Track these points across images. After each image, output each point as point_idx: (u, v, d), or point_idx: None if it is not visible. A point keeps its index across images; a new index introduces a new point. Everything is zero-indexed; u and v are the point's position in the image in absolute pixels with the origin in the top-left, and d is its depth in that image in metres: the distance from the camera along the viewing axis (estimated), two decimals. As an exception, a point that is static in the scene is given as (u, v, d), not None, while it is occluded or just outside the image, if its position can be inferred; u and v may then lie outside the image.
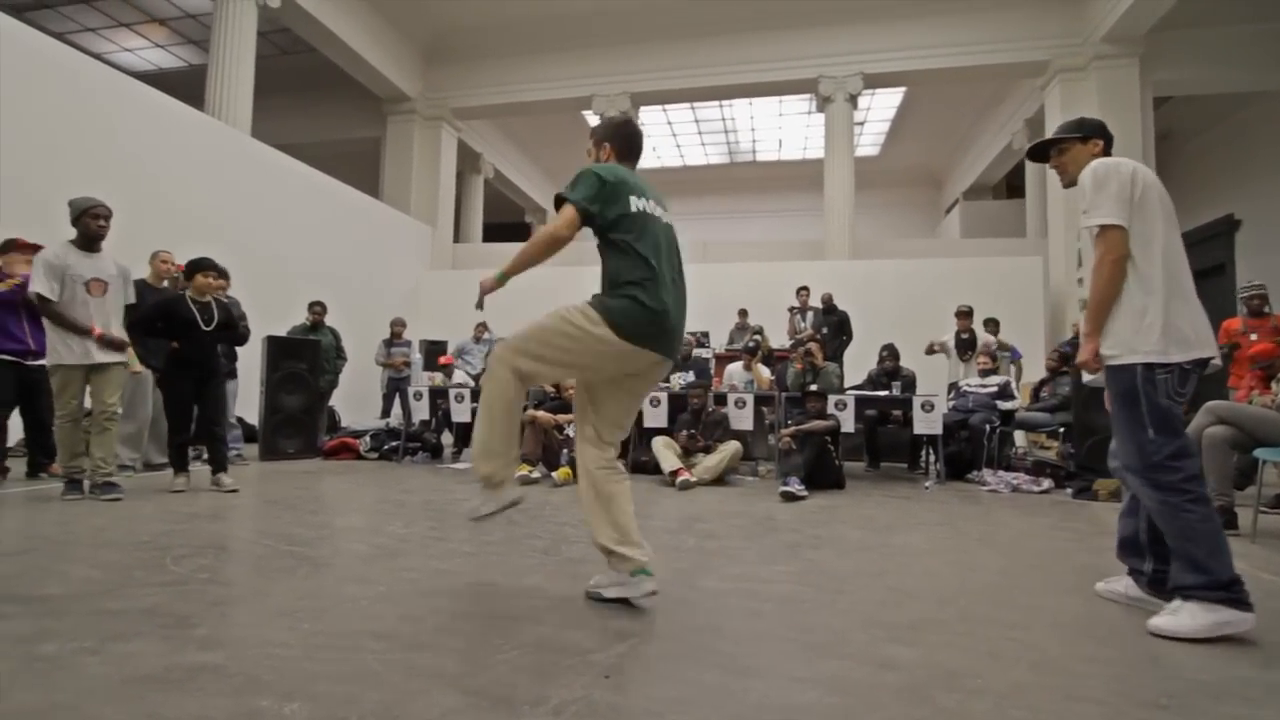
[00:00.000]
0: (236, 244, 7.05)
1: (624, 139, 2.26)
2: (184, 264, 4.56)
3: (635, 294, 1.97)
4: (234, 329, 4.51)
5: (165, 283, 5.13)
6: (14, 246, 4.34)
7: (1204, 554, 1.82)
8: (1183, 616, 1.81)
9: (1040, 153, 2.29)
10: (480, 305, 2.20)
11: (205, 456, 4.97)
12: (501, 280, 2.08)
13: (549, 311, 2.04)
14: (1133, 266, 1.97)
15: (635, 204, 2.05)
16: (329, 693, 1.35)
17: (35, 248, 4.35)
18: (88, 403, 3.88)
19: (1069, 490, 4.94)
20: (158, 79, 11.89)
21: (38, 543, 2.70)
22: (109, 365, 3.82)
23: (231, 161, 8.30)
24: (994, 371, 6.27)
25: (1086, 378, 2.21)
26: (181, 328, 4.18)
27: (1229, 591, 1.80)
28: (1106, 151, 2.18)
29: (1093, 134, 2.19)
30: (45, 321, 3.75)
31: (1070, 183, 2.20)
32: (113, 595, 1.98)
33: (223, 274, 4.90)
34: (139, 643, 1.59)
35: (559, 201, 2.03)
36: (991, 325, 7.32)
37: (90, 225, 3.78)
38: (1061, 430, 5.62)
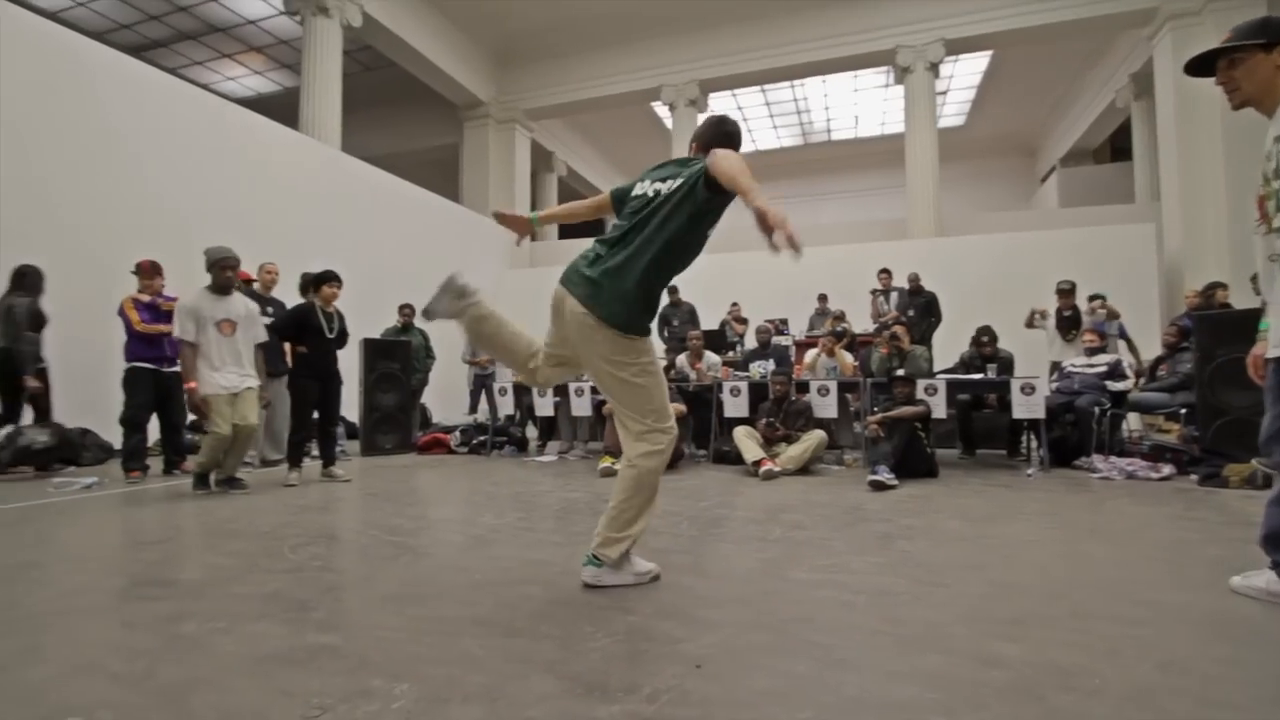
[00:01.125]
0: (331, 253, 7.50)
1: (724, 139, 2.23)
2: (306, 275, 5.03)
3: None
4: (347, 336, 4.92)
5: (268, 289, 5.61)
6: (146, 269, 4.82)
7: None
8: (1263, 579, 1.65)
9: (1205, 66, 1.93)
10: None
11: (315, 452, 5.35)
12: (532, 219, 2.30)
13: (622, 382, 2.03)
14: None
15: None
16: (433, 675, 1.42)
17: (159, 268, 4.84)
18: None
19: (1194, 476, 4.52)
20: (257, 104, 12.83)
21: (174, 533, 2.99)
22: (245, 391, 4.24)
23: (325, 175, 8.84)
24: (1102, 350, 5.81)
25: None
26: (311, 335, 4.68)
27: None
28: None
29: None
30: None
31: (1242, 103, 1.88)
32: (240, 580, 2.16)
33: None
34: (264, 624, 1.74)
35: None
36: (1099, 301, 6.69)
37: (219, 276, 4.21)
38: (1183, 411, 5.15)
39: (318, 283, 4.84)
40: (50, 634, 1.70)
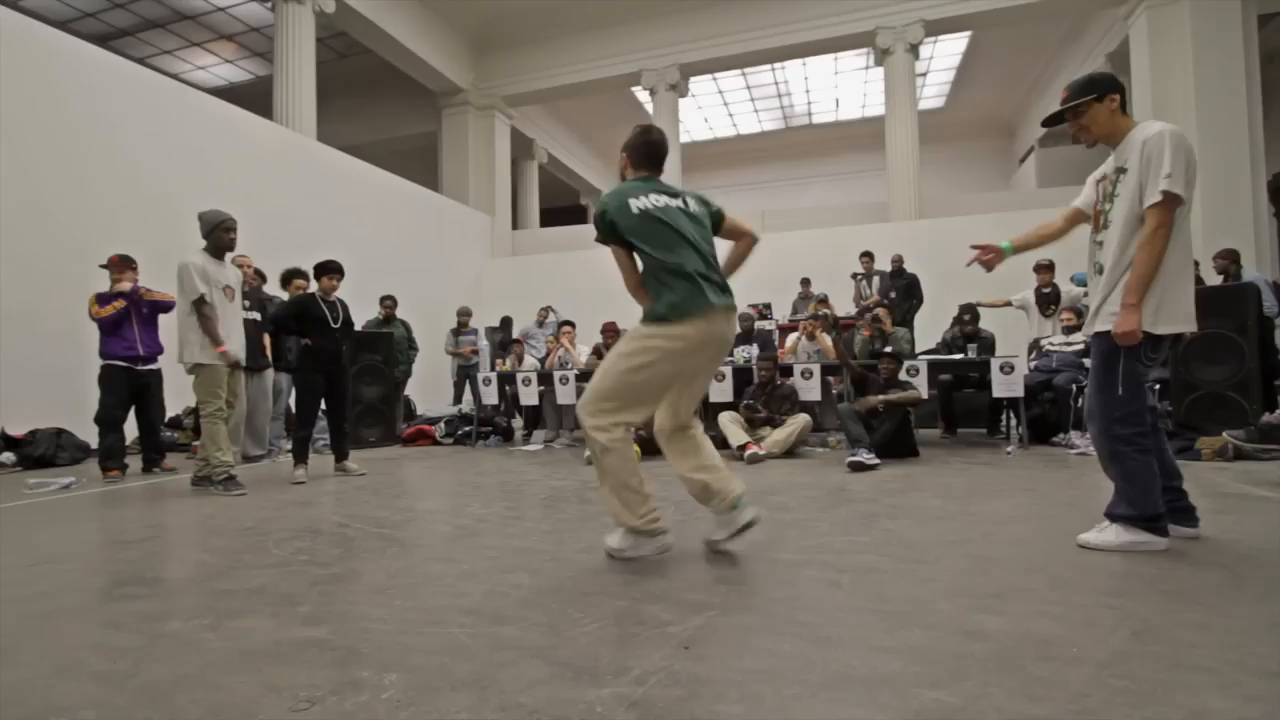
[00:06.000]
0: (309, 245, 7.40)
1: (641, 149, 2.37)
2: (288, 270, 4.95)
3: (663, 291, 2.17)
4: (352, 325, 4.81)
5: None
6: (115, 263, 4.71)
7: (1138, 493, 2.17)
8: (1108, 534, 2.20)
9: (1057, 120, 2.32)
10: None
11: (318, 445, 5.29)
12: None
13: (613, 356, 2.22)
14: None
15: (635, 205, 2.20)
16: (423, 665, 1.42)
17: (130, 261, 4.73)
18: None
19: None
20: (229, 93, 12.55)
21: (156, 531, 2.95)
22: (235, 373, 4.19)
23: (300, 165, 8.69)
24: (1078, 328, 5.90)
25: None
26: (314, 325, 4.52)
27: (1152, 523, 2.17)
28: (1123, 101, 2.23)
29: (1108, 90, 2.21)
30: (191, 320, 3.93)
31: (1094, 141, 2.25)
32: (225, 577, 2.14)
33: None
34: (251, 619, 1.73)
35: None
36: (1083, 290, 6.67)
37: (223, 238, 4.08)
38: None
39: (317, 274, 4.70)
40: (30, 636, 1.67)
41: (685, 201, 2.30)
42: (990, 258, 2.58)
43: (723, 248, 2.43)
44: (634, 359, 2.14)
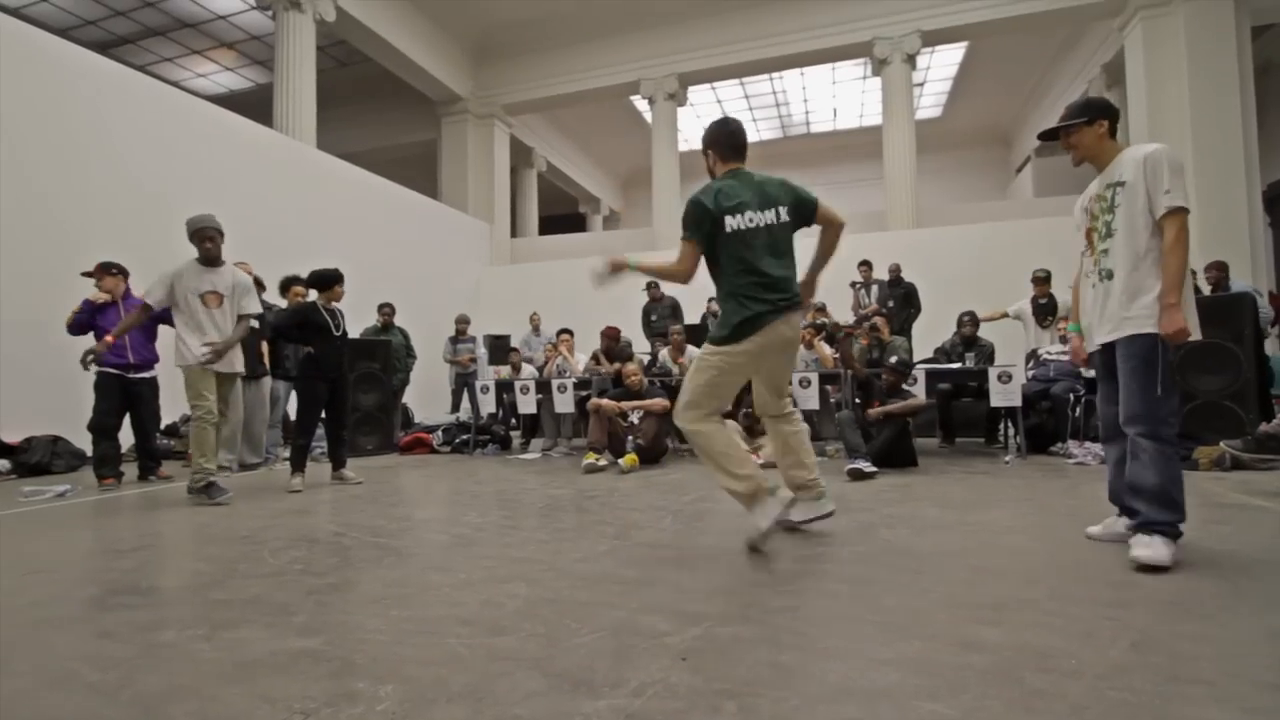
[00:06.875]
0: (308, 252, 7.40)
1: (724, 140, 2.55)
2: (286, 276, 4.92)
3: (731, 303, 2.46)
4: (347, 335, 4.80)
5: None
6: (96, 271, 4.72)
7: (1179, 493, 2.20)
8: (1159, 549, 2.10)
9: (1052, 135, 2.47)
10: (601, 278, 2.56)
11: (315, 453, 5.27)
12: (631, 266, 2.54)
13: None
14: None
15: (730, 224, 2.40)
16: (418, 675, 1.41)
17: (121, 269, 4.74)
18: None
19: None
20: (229, 101, 12.58)
21: (150, 539, 2.94)
22: (227, 377, 4.11)
23: (299, 173, 8.71)
24: (1077, 337, 5.91)
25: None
26: (316, 333, 4.50)
27: (1177, 529, 2.19)
28: (1112, 126, 2.38)
29: (1098, 115, 2.37)
30: (180, 324, 4.00)
31: (1080, 161, 2.43)
32: (220, 586, 2.13)
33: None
34: (245, 630, 1.71)
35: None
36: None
37: (199, 247, 4.03)
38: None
39: (329, 282, 4.64)
40: (22, 646, 1.66)
41: (777, 213, 2.47)
42: (1079, 346, 2.68)
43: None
44: (702, 375, 2.49)
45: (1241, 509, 3.11)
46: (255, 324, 4.72)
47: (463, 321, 8.36)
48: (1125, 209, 2.26)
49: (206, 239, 4.02)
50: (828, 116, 16.14)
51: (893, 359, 5.23)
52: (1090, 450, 4.94)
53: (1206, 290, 5.99)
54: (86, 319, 4.60)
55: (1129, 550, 2.16)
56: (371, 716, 1.24)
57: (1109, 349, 2.38)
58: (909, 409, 4.79)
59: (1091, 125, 2.36)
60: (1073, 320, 2.70)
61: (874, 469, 4.29)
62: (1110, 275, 2.32)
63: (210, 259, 4.05)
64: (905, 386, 5.14)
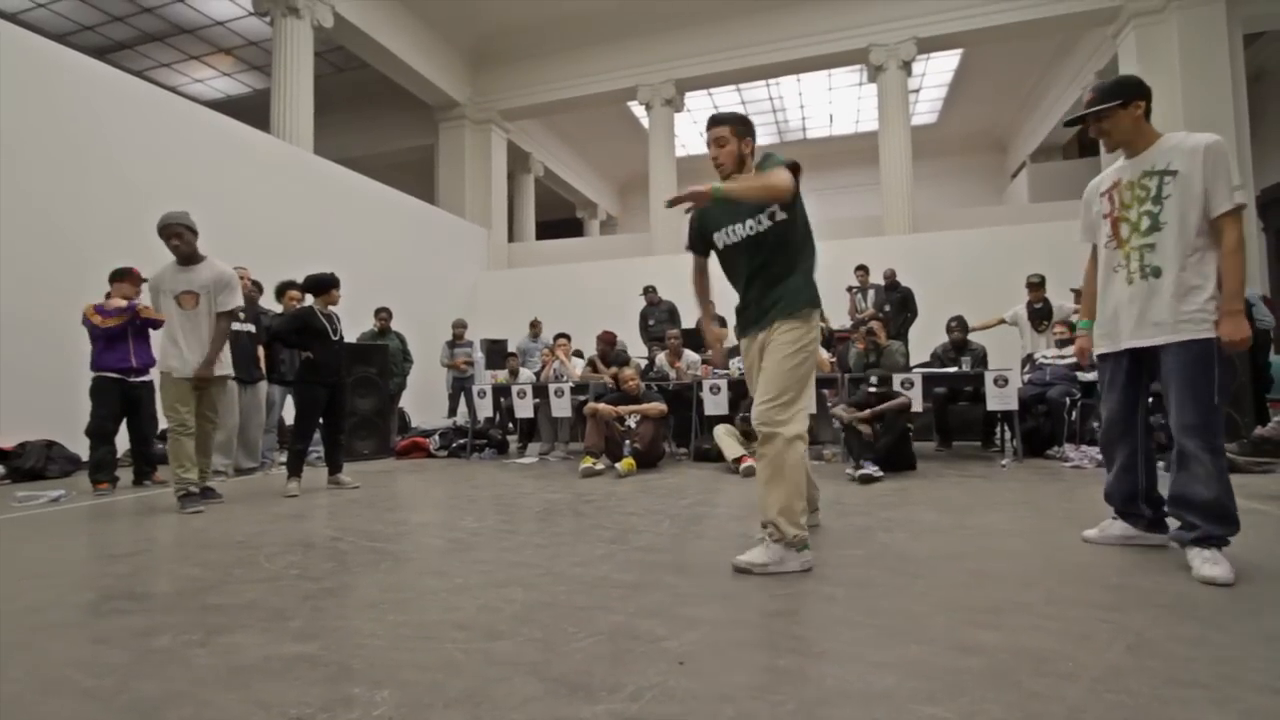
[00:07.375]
0: (305, 257, 7.40)
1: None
2: (283, 281, 4.89)
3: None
4: (344, 339, 4.80)
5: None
6: (127, 276, 4.69)
7: (1231, 503, 2.10)
8: (1224, 566, 2.00)
9: (1080, 121, 2.32)
10: (672, 204, 2.16)
11: (311, 458, 5.26)
12: (715, 193, 2.14)
13: (784, 357, 2.27)
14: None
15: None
16: (415, 681, 1.41)
17: (117, 272, 4.73)
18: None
19: (1161, 463, 4.63)
20: (226, 106, 12.59)
21: (146, 545, 2.92)
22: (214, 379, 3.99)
23: (297, 178, 8.71)
24: (1071, 341, 5.93)
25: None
26: (314, 338, 4.50)
27: (1229, 541, 2.10)
28: (1148, 107, 2.21)
29: (1135, 95, 2.20)
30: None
31: (1114, 146, 2.26)
32: (215, 591, 2.12)
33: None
34: (241, 635, 1.71)
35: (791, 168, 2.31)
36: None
37: (168, 244, 3.87)
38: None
39: (325, 286, 4.61)
40: (15, 651, 1.65)
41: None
42: (1087, 347, 2.58)
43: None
44: (800, 363, 2.27)
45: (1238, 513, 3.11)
46: (242, 315, 4.68)
47: (460, 326, 8.36)
48: (1177, 201, 2.10)
49: (173, 236, 3.82)
50: (824, 122, 16.22)
51: (873, 380, 5.16)
52: (1086, 454, 4.95)
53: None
54: (119, 331, 4.56)
55: (1192, 567, 2.05)
56: (368, 721, 1.24)
57: (1142, 350, 2.24)
58: (894, 408, 4.80)
59: (1126, 108, 2.19)
60: (1084, 316, 2.54)
61: (880, 473, 4.31)
62: (1157, 272, 2.16)
63: (184, 257, 3.88)
64: (901, 389, 5.15)
